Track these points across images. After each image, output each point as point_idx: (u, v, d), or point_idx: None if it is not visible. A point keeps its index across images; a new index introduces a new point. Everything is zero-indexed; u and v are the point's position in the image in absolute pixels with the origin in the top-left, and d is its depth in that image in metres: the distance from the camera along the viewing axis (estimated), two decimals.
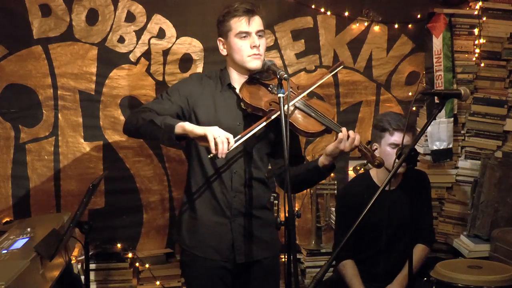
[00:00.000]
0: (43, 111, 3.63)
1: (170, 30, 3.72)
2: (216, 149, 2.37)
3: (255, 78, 2.67)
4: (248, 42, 2.60)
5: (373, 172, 3.28)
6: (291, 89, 2.52)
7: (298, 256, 3.85)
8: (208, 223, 2.67)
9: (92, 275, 3.43)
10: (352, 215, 3.10)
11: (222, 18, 2.66)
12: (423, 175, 3.38)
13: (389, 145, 3.09)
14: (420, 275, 3.17)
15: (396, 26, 3.96)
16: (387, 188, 3.08)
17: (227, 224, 2.67)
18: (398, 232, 3.17)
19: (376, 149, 3.15)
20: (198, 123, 2.61)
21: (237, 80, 2.70)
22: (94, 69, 3.66)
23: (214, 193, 2.66)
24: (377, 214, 3.08)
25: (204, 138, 2.40)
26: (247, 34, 2.60)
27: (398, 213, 3.15)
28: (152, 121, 2.51)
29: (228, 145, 2.40)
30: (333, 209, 3.68)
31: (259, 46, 2.60)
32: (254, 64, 2.62)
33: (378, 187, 3.14)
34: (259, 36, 2.62)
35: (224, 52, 2.70)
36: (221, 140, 2.37)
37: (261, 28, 2.63)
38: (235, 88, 2.69)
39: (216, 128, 2.43)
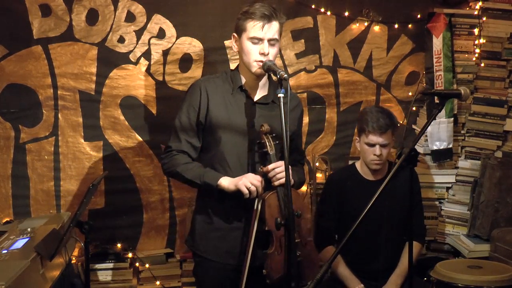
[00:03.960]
0: (43, 111, 3.63)
1: (170, 30, 3.72)
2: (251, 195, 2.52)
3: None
4: (258, 48, 2.57)
5: (358, 164, 3.30)
6: None
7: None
8: (223, 228, 2.67)
9: (92, 275, 3.43)
10: (333, 200, 3.22)
11: (240, 16, 2.61)
12: (410, 169, 3.35)
13: (365, 143, 3.13)
14: (420, 275, 3.17)
15: (396, 26, 3.97)
16: (372, 179, 3.19)
17: (242, 228, 2.67)
18: (387, 226, 3.14)
19: (358, 142, 3.19)
20: (211, 124, 2.65)
21: (248, 82, 2.69)
22: (94, 69, 3.66)
23: (229, 197, 2.64)
24: (361, 205, 3.05)
25: (245, 190, 2.53)
26: (259, 40, 2.57)
27: (384, 204, 3.11)
28: (192, 181, 2.64)
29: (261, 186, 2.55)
30: None
31: (267, 54, 2.57)
32: (256, 69, 2.61)
33: (362, 177, 3.20)
34: (271, 44, 2.58)
35: (235, 48, 2.69)
36: (254, 189, 2.52)
37: (276, 36, 2.59)
38: (247, 91, 2.69)
39: (245, 178, 2.54)
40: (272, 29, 2.57)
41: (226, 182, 2.57)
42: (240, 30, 2.62)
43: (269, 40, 2.57)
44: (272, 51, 2.58)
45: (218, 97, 2.67)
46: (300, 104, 2.89)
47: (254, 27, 2.55)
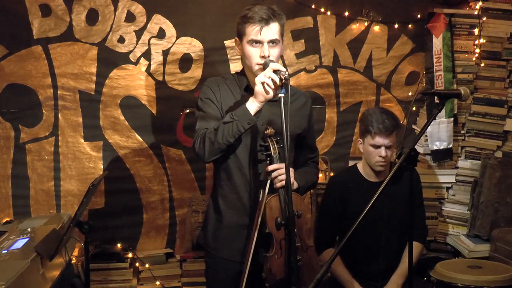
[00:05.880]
0: (43, 111, 3.63)
1: (170, 30, 3.72)
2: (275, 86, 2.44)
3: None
4: (258, 51, 2.56)
5: (360, 166, 3.30)
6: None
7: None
8: (233, 225, 2.68)
9: (92, 275, 3.43)
10: (335, 202, 3.19)
11: (239, 20, 2.61)
12: (411, 170, 3.36)
13: (371, 145, 3.12)
14: (420, 275, 3.17)
15: (396, 26, 3.97)
16: (375, 180, 3.16)
17: (251, 226, 2.65)
18: (388, 226, 3.14)
19: (361, 143, 3.17)
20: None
21: (253, 83, 2.69)
22: (94, 69, 3.66)
23: (240, 195, 2.66)
24: (364, 206, 3.05)
25: (261, 89, 2.46)
26: (258, 42, 2.56)
27: (385, 205, 3.12)
28: (222, 127, 2.50)
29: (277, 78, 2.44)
30: None
31: (268, 56, 2.56)
32: (258, 72, 2.59)
33: (364, 179, 3.19)
34: (272, 45, 2.57)
35: (238, 52, 2.70)
36: (270, 82, 2.44)
37: (275, 37, 2.57)
38: (253, 90, 2.68)
39: (260, 75, 2.46)
40: (270, 30, 2.56)
41: (250, 101, 2.51)
42: (240, 35, 2.62)
43: (268, 42, 2.56)
44: (273, 52, 2.58)
45: (228, 95, 2.69)
46: (308, 100, 2.86)
47: (252, 31, 2.55)
